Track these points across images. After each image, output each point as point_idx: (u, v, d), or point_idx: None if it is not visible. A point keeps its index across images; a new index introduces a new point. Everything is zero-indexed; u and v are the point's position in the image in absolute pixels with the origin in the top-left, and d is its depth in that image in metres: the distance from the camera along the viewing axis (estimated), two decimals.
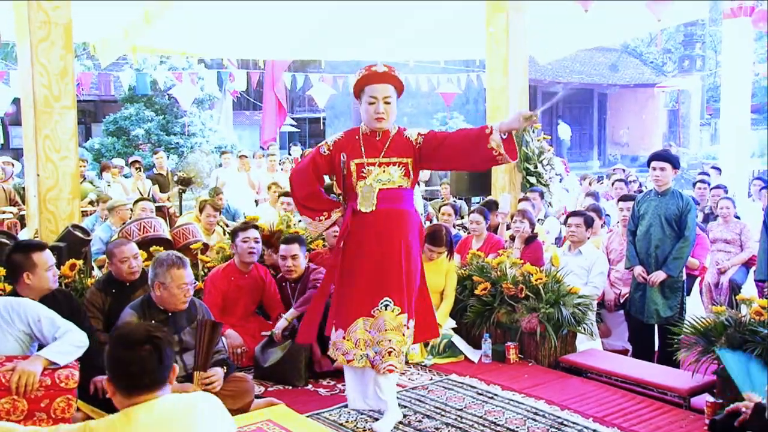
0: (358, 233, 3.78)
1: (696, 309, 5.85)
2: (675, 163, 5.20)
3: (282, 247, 5.06)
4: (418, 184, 7.34)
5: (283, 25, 8.26)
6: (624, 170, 11.80)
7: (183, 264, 3.84)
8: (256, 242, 5.14)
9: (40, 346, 3.40)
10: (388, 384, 3.86)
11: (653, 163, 5.18)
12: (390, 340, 3.72)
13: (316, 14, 7.86)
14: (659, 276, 5.07)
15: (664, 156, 5.27)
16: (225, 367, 3.91)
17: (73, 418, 3.39)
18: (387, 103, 3.72)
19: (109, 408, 3.66)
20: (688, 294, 5.72)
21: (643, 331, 5.31)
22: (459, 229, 7.69)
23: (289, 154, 14.34)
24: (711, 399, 3.82)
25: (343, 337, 3.83)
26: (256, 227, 5.33)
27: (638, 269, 5.20)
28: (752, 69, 11.64)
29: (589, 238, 5.90)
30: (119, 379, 2.14)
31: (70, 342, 3.38)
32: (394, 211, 3.75)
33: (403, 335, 3.76)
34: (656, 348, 5.27)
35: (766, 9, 10.00)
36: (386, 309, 3.72)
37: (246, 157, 11.43)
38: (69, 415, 3.31)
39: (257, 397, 4.11)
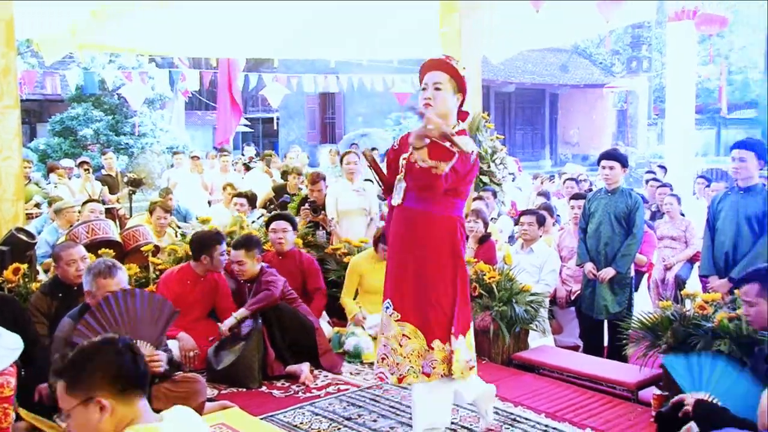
0: (391, 227, 3.59)
1: (644, 305, 5.99)
2: (624, 162, 5.34)
3: (231, 252, 5.03)
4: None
5: (236, 23, 8.17)
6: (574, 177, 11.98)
7: (110, 273, 3.72)
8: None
9: None
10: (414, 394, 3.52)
11: (602, 162, 5.31)
12: (385, 346, 3.44)
13: (269, 13, 7.80)
14: (608, 273, 5.18)
15: (613, 155, 5.41)
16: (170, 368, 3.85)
17: (12, 427, 3.30)
18: (437, 89, 3.38)
19: (53, 416, 3.59)
20: (636, 290, 5.85)
21: (593, 327, 5.42)
22: None
23: (242, 155, 14.20)
24: (657, 392, 3.92)
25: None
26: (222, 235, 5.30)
27: (588, 266, 5.32)
28: (696, 71, 11.97)
29: (541, 236, 5.99)
30: (126, 381, 2.03)
31: (2, 345, 3.25)
32: (418, 211, 3.40)
33: (400, 345, 3.40)
34: (606, 343, 5.38)
35: (708, 12, 10.30)
36: (386, 311, 3.48)
37: (198, 158, 11.28)
38: (6, 425, 3.21)
39: (210, 400, 4.07)
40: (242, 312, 4.76)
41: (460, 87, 3.43)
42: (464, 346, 3.44)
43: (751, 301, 3.26)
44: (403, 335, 3.41)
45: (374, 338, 5.10)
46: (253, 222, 6.70)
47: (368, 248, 5.72)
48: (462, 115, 3.51)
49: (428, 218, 3.40)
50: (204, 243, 5.08)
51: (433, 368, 3.38)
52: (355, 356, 5.06)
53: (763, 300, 3.21)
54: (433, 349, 3.39)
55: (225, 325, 4.73)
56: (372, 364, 4.93)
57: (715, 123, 22.91)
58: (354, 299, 5.55)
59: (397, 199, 3.46)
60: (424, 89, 3.43)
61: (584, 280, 5.44)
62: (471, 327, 3.55)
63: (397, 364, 3.41)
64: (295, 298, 5.04)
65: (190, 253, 5.20)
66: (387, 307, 3.47)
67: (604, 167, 5.32)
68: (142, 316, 3.66)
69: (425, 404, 3.45)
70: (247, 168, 11.52)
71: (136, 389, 2.04)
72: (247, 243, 5.01)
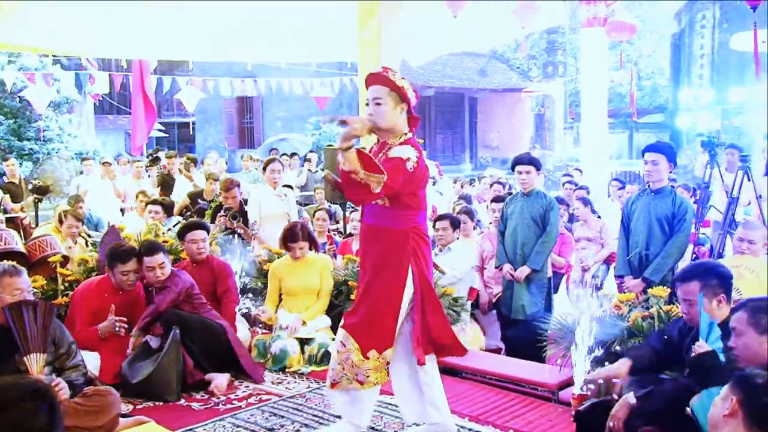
0: (360, 245, 3.70)
1: (564, 306, 6.17)
2: (537, 165, 5.54)
3: (147, 258, 4.83)
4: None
5: (148, 23, 7.98)
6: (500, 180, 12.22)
7: (16, 271, 3.68)
8: (135, 273, 4.86)
9: None
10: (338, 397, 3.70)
11: (518, 167, 5.51)
12: (330, 347, 3.66)
13: (183, 13, 7.66)
14: (524, 271, 5.36)
15: (526, 160, 5.59)
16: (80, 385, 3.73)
17: None
18: (377, 104, 3.41)
19: None
20: (556, 291, 6.02)
21: (513, 329, 5.55)
22: (335, 234, 7.71)
23: (149, 157, 13.85)
24: (576, 392, 4.03)
25: None
26: (132, 253, 5.04)
27: (506, 267, 5.49)
28: (608, 76, 12.43)
29: (458, 238, 6.07)
30: None
31: None
32: (374, 227, 3.52)
33: (338, 352, 3.56)
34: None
35: (618, 20, 10.73)
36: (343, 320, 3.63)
37: (110, 164, 10.93)
38: None
39: (124, 416, 3.94)
40: (135, 333, 4.67)
41: (402, 97, 3.44)
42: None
43: (739, 329, 2.81)
44: (341, 342, 3.57)
45: (300, 341, 5.13)
46: (169, 230, 6.54)
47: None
48: (413, 122, 3.55)
49: (380, 233, 3.51)
50: (110, 257, 4.86)
51: (367, 377, 3.50)
52: (281, 360, 5.00)
53: (752, 330, 2.77)
54: (368, 358, 3.49)
55: (131, 345, 4.66)
56: (295, 372, 4.91)
57: (627, 127, 23.87)
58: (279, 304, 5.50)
59: (360, 216, 3.63)
60: (367, 104, 3.48)
61: (504, 281, 5.57)
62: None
63: (333, 369, 3.58)
64: (203, 303, 4.92)
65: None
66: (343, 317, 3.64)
67: (520, 172, 5.51)
68: (30, 325, 3.55)
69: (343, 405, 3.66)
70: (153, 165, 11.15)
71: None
72: (162, 247, 4.94)
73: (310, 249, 5.45)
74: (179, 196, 9.48)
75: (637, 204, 5.08)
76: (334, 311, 5.33)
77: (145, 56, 11.98)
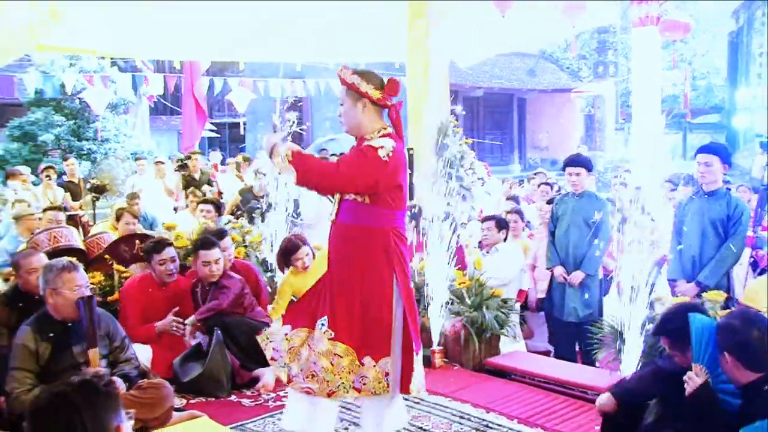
0: (329, 242, 3.52)
1: (614, 309, 6.06)
2: (588, 166, 5.42)
3: (203, 252, 4.92)
4: None
5: (200, 25, 8.11)
6: (545, 174, 12.11)
7: (74, 267, 3.76)
8: (173, 261, 4.99)
9: None
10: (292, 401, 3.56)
11: (568, 169, 5.41)
12: (315, 363, 3.34)
13: (234, 14, 7.76)
14: (578, 276, 5.24)
15: (577, 161, 5.49)
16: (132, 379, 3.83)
17: None
18: (341, 104, 3.36)
19: (15, 429, 3.52)
20: (606, 294, 5.93)
21: (563, 331, 5.47)
22: None
23: (208, 160, 14.08)
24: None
25: (286, 335, 3.48)
26: (171, 244, 5.17)
27: (559, 269, 5.37)
28: (661, 76, 12.16)
29: (505, 239, 6.01)
30: None
31: None
32: (350, 225, 3.34)
33: (332, 364, 3.32)
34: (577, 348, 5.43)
35: (672, 19, 10.49)
36: (321, 328, 3.35)
37: (162, 163, 11.15)
38: None
39: (178, 410, 4.01)
40: (191, 320, 4.78)
41: (359, 93, 3.30)
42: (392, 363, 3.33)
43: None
44: (335, 354, 3.32)
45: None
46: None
47: None
48: (390, 113, 3.37)
49: (360, 232, 3.33)
50: (146, 253, 4.98)
51: (364, 384, 3.32)
52: None
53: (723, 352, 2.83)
54: (363, 365, 3.32)
55: (186, 336, 4.75)
56: None
57: (681, 127, 23.35)
58: None
59: (332, 215, 3.44)
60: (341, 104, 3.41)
61: (553, 283, 5.49)
62: (415, 348, 3.42)
63: (328, 381, 3.34)
64: (251, 303, 5.01)
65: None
66: (322, 324, 3.36)
67: (570, 173, 5.40)
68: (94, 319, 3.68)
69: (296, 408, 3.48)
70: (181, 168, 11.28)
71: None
72: (217, 243, 5.02)
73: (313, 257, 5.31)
74: (231, 194, 9.63)
75: (690, 206, 4.97)
76: None
77: (197, 57, 12.20)
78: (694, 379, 2.92)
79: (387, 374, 3.32)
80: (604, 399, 3.32)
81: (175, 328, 4.80)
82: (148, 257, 4.96)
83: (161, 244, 5.05)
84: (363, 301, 3.33)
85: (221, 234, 5.44)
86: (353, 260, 3.35)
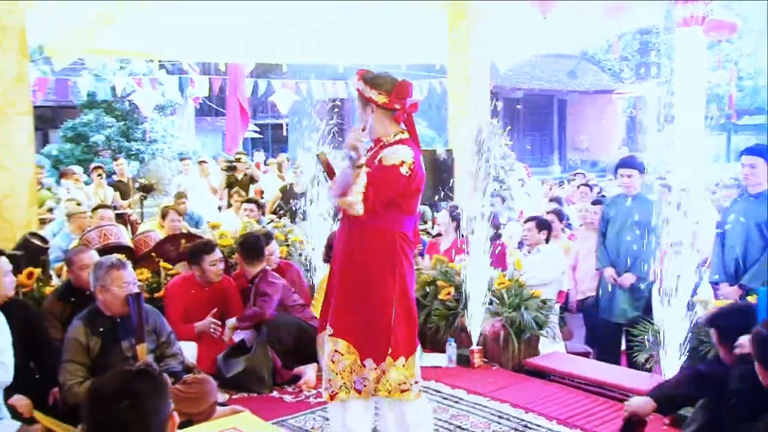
0: (336, 242, 3.51)
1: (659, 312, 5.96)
2: (641, 169, 5.36)
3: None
4: None
5: (244, 28, 8.22)
6: (584, 175, 11.96)
7: (122, 265, 3.83)
8: (221, 262, 5.08)
9: None
10: (332, 413, 3.44)
11: (620, 171, 5.37)
12: (325, 364, 3.33)
13: (277, 17, 7.84)
14: (629, 279, 5.19)
15: (630, 163, 5.43)
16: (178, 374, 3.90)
17: (27, 430, 3.32)
18: (359, 110, 3.33)
19: (67, 419, 3.61)
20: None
21: (609, 333, 5.39)
22: (423, 234, 7.71)
23: (252, 160, 14.23)
24: None
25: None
26: (214, 244, 5.25)
27: (609, 271, 5.32)
28: (705, 77, 11.91)
29: (547, 240, 5.96)
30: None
31: None
32: (356, 225, 3.26)
33: (333, 362, 3.26)
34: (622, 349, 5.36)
35: (717, 18, 10.26)
36: (328, 329, 3.34)
37: (206, 162, 11.32)
38: None
39: (221, 405, 4.07)
40: (232, 322, 4.83)
41: (365, 98, 3.26)
42: (400, 369, 3.26)
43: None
44: (336, 351, 3.27)
45: None
46: (263, 227, 6.71)
47: None
48: (399, 116, 3.28)
49: (366, 232, 3.25)
50: (193, 254, 5.00)
51: (364, 386, 3.26)
52: None
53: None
54: (365, 367, 3.26)
55: (225, 336, 4.82)
56: None
57: (725, 129, 22.82)
58: None
59: (340, 215, 3.40)
60: None
61: (602, 284, 5.43)
62: (417, 351, 3.38)
63: (330, 380, 3.29)
64: (297, 304, 5.04)
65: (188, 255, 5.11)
66: (327, 326, 3.35)
67: (622, 175, 5.36)
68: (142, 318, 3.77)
69: (339, 420, 3.35)
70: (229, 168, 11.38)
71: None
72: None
73: None
74: (271, 193, 9.72)
75: (734, 208, 4.87)
76: (422, 311, 5.29)
77: (241, 60, 12.34)
78: (744, 345, 2.89)
79: (384, 373, 3.25)
80: (642, 402, 3.26)
81: (213, 330, 4.85)
82: (198, 258, 4.98)
83: (209, 245, 5.12)
84: (364, 301, 3.27)
85: (268, 237, 5.50)
86: (357, 260, 3.29)
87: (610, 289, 5.34)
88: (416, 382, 3.32)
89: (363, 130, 3.13)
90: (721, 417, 2.92)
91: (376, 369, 3.25)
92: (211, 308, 4.99)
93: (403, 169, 3.15)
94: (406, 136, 3.29)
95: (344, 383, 3.26)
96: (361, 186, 3.07)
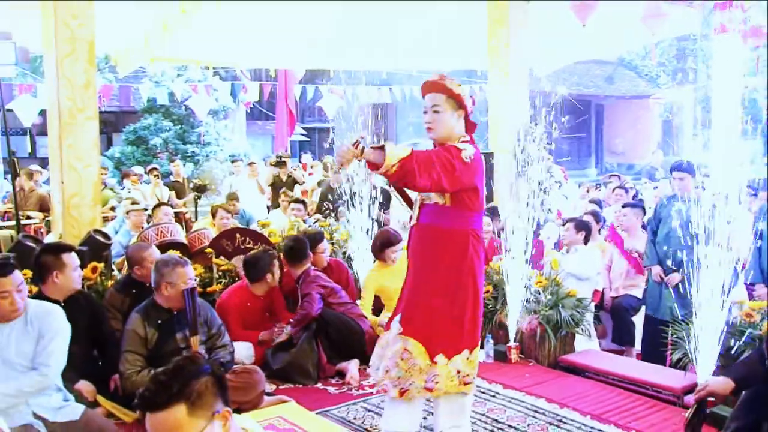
0: (408, 246, 3.52)
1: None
2: (692, 172, 5.29)
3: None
4: None
5: (294, 35, 8.29)
6: (619, 177, 11.76)
7: (186, 263, 3.95)
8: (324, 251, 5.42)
9: None
10: (391, 408, 3.43)
11: (674, 174, 5.35)
12: (391, 359, 3.30)
13: (325, 25, 7.90)
14: (676, 278, 5.11)
15: (682, 167, 5.35)
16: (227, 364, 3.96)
17: (90, 414, 3.41)
18: (435, 111, 3.27)
19: (127, 404, 3.70)
20: None
21: (655, 331, 5.29)
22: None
23: (300, 162, 14.37)
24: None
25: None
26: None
27: (657, 269, 5.29)
28: (742, 82, 11.60)
29: (585, 242, 5.89)
30: (226, 392, 1.89)
31: (17, 386, 3.20)
32: (431, 227, 3.31)
33: (402, 359, 3.26)
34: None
35: (755, 25, 9.98)
36: (396, 325, 3.34)
37: (254, 164, 11.45)
38: None
39: (268, 394, 4.12)
40: (288, 330, 4.85)
41: (459, 104, 3.29)
42: (464, 362, 3.30)
43: None
44: (405, 349, 3.27)
45: None
46: (310, 227, 6.76)
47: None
48: (470, 127, 3.38)
49: (440, 233, 3.29)
50: (264, 263, 4.97)
51: (436, 383, 3.26)
52: None
53: None
54: (435, 363, 3.26)
55: (280, 339, 4.83)
56: None
57: (763, 133, 22.18)
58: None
59: (413, 219, 3.42)
60: (425, 113, 3.32)
61: (650, 282, 5.39)
62: (478, 345, 3.43)
63: (399, 377, 3.28)
64: (343, 302, 5.04)
65: (249, 273, 5.01)
66: (397, 322, 3.35)
67: (675, 178, 5.34)
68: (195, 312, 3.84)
69: (396, 410, 3.36)
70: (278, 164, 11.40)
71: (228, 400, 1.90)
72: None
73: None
74: (316, 194, 9.79)
75: None
76: (487, 308, 5.18)
77: (290, 65, 12.46)
78: None
79: (459, 372, 3.28)
80: (722, 382, 3.14)
81: (276, 337, 4.88)
82: (269, 268, 4.99)
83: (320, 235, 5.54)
84: (441, 299, 3.27)
85: (318, 237, 5.54)
86: (433, 260, 3.29)
87: (657, 287, 5.28)
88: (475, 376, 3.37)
89: (356, 144, 3.04)
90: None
91: (447, 364, 3.25)
92: (263, 314, 5.04)
93: (464, 155, 3.16)
94: (468, 139, 3.32)
95: (414, 382, 3.26)
96: (400, 150, 3.00)
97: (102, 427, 3.41)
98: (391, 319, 3.44)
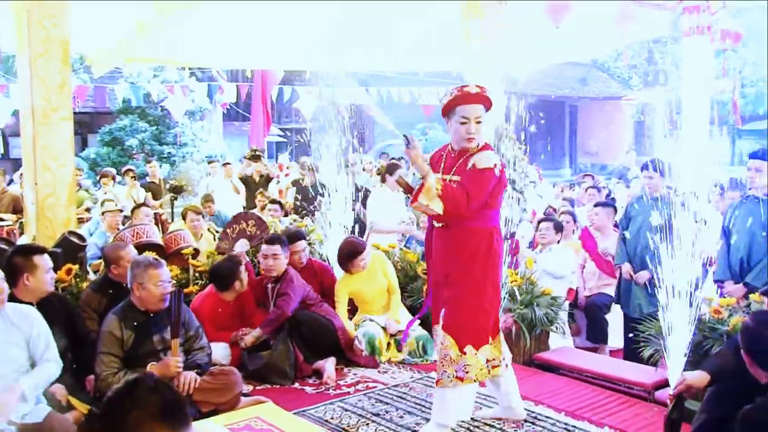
0: (432, 246, 3.68)
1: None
2: (662, 172, 5.35)
3: (264, 246, 5.02)
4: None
5: (270, 36, 8.24)
6: (593, 177, 11.89)
7: (159, 264, 3.88)
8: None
9: None
10: (438, 396, 3.64)
11: (643, 173, 5.39)
12: (440, 353, 3.57)
13: (301, 26, 7.87)
14: (644, 276, 5.19)
15: (652, 166, 5.40)
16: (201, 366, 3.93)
17: (64, 417, 3.36)
18: (478, 122, 3.46)
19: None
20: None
21: (630, 328, 5.36)
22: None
23: (276, 162, 14.31)
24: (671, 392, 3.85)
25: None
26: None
27: (626, 267, 5.39)
28: (710, 84, 11.77)
29: (559, 241, 5.96)
30: (174, 415, 1.80)
31: (45, 376, 3.32)
32: (456, 228, 3.49)
33: (439, 351, 3.58)
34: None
35: (722, 28, 10.14)
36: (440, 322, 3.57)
37: (230, 164, 11.38)
38: None
39: (245, 395, 4.09)
40: (257, 332, 4.77)
41: (487, 110, 3.52)
42: (489, 348, 3.54)
43: None
44: (442, 342, 3.52)
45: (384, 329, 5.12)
46: (286, 227, 6.73)
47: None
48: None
49: (465, 232, 3.47)
50: (230, 272, 4.88)
51: (467, 372, 3.47)
52: (371, 344, 4.99)
53: None
54: (465, 354, 3.47)
55: (247, 342, 4.74)
56: (400, 363, 4.95)
57: (729, 134, 22.54)
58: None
59: (436, 221, 3.57)
60: (464, 123, 3.45)
61: (622, 280, 5.48)
62: (500, 330, 3.69)
63: (438, 367, 3.55)
64: (315, 302, 5.03)
65: (216, 283, 4.93)
66: (439, 317, 3.57)
67: (644, 177, 5.43)
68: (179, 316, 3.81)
69: (445, 402, 3.57)
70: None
71: (185, 420, 1.81)
72: (282, 240, 5.08)
73: (367, 257, 5.27)
74: (292, 194, 9.74)
75: (739, 210, 4.84)
76: None
77: (266, 66, 12.40)
78: None
79: (488, 361, 3.51)
80: (698, 375, 3.17)
81: (239, 338, 4.80)
82: (236, 276, 4.90)
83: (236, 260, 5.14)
84: (463, 295, 3.47)
85: (297, 236, 5.47)
86: (462, 258, 3.47)
87: (628, 284, 5.37)
88: (503, 358, 3.63)
89: (408, 145, 3.35)
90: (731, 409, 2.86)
91: (475, 354, 3.47)
92: (233, 319, 4.96)
93: (496, 171, 3.40)
94: (485, 142, 3.53)
95: (445, 371, 3.49)
96: (433, 189, 3.29)
97: (65, 429, 3.34)
98: (435, 313, 3.65)
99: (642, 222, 5.30)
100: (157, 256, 4.10)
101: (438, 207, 3.30)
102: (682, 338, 3.87)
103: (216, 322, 4.84)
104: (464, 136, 3.47)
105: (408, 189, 3.64)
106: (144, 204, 7.89)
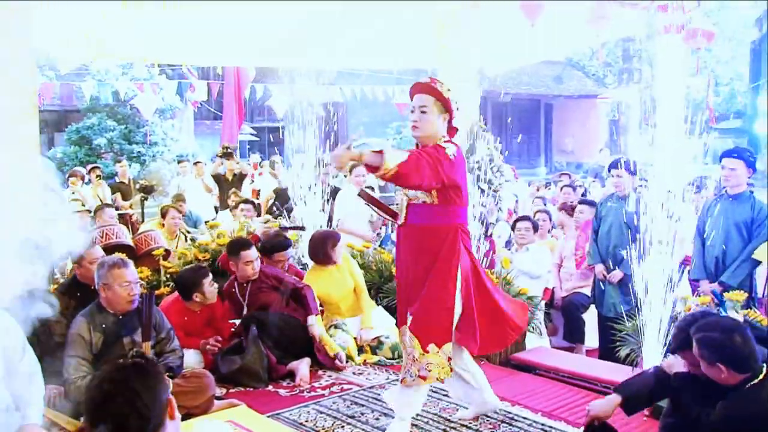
0: (398, 246, 3.73)
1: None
2: (631, 171, 5.39)
3: (243, 253, 4.97)
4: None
5: (241, 32, 8.18)
6: (570, 176, 12.00)
7: (124, 264, 3.83)
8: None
9: None
10: (401, 392, 3.69)
11: (612, 171, 5.40)
12: (405, 353, 3.60)
13: (273, 23, 7.82)
14: (617, 275, 5.23)
15: (622, 165, 5.45)
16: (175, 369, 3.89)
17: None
18: (423, 112, 3.46)
19: (73, 413, 3.59)
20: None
21: (606, 327, 5.41)
22: None
23: (249, 162, 14.22)
24: None
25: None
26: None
27: (600, 267, 5.40)
28: (684, 82, 11.94)
29: (535, 241, 6.01)
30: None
31: (40, 395, 3.15)
32: (420, 226, 3.53)
33: (404, 349, 3.61)
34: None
35: (695, 27, 10.28)
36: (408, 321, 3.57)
37: (200, 163, 11.29)
38: None
39: (218, 398, 4.06)
40: (211, 343, 4.70)
41: (446, 107, 3.50)
42: (452, 347, 3.55)
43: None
44: (408, 342, 3.54)
45: (372, 348, 5.12)
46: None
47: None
48: (452, 132, 3.59)
49: (431, 230, 3.50)
50: (192, 282, 4.78)
51: (429, 371, 3.49)
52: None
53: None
54: (428, 352, 3.49)
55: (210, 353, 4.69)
56: (375, 365, 4.94)
57: (703, 132, 22.92)
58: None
59: (400, 219, 3.60)
60: (412, 111, 3.51)
61: (595, 280, 5.52)
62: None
63: (402, 367, 3.61)
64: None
65: (179, 291, 4.87)
66: (405, 317, 3.58)
67: (613, 176, 5.45)
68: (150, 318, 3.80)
69: (408, 398, 3.65)
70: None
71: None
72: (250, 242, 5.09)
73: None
74: (265, 193, 9.70)
75: (714, 209, 4.90)
76: None
77: (237, 63, 12.30)
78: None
79: (450, 359, 3.50)
80: (604, 404, 3.07)
81: (209, 348, 4.73)
82: (198, 287, 4.78)
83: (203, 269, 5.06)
84: (427, 294, 3.49)
85: (285, 242, 5.47)
86: (427, 256, 3.49)
87: (601, 285, 5.40)
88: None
89: (349, 147, 3.22)
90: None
91: (438, 353, 3.47)
92: (202, 327, 4.88)
93: (448, 152, 3.38)
94: (448, 139, 3.54)
95: (409, 370, 3.53)
96: (397, 155, 3.19)
97: None
98: (401, 314, 3.69)
99: (612, 221, 5.34)
100: (123, 256, 4.04)
101: (402, 156, 3.21)
102: (659, 337, 3.92)
103: (184, 328, 4.77)
104: (410, 125, 3.54)
105: (372, 201, 3.71)
106: (108, 204, 7.79)
